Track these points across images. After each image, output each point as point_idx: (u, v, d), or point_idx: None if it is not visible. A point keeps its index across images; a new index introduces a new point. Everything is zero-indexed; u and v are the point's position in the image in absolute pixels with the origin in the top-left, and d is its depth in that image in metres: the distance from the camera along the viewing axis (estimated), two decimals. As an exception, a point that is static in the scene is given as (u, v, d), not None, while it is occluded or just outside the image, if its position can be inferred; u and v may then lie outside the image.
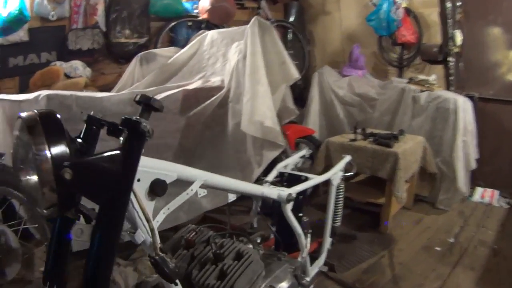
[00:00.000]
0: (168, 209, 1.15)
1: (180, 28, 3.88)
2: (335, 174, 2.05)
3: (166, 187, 1.07)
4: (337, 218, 2.20)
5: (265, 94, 2.49)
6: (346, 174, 2.19)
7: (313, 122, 3.96)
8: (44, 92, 2.22)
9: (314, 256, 2.03)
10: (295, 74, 2.67)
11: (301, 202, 2.01)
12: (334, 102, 3.89)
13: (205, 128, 2.64)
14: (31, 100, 2.18)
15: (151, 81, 2.91)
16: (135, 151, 0.96)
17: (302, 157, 2.42)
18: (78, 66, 3.13)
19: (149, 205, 1.06)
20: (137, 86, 2.89)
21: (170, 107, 2.44)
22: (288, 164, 2.22)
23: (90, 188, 0.92)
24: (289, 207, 1.66)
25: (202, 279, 1.20)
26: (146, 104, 1.01)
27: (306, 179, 1.96)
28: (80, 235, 0.94)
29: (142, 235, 1.05)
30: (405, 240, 2.88)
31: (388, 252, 2.70)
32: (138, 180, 1.02)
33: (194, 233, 1.41)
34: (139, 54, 3.14)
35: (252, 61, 2.51)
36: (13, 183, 1.95)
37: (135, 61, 3.10)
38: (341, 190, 2.14)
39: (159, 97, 2.38)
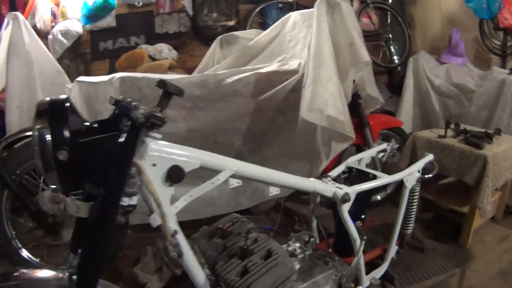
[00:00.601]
0: (190, 196, 1.12)
1: (270, 10, 3.78)
2: (410, 174, 1.78)
3: (183, 174, 1.07)
4: (409, 225, 1.93)
5: (328, 79, 2.25)
6: (425, 176, 1.90)
7: (406, 113, 3.58)
8: (117, 75, 2.33)
9: (377, 263, 1.83)
10: (364, 57, 2.35)
11: (365, 203, 1.85)
12: (429, 92, 3.47)
13: (278, 113, 2.51)
14: (106, 82, 2.31)
15: (231, 63, 2.86)
16: (129, 136, 0.99)
17: (383, 151, 2.19)
18: (163, 49, 3.25)
19: (166, 191, 1.06)
20: (216, 69, 2.88)
21: (241, 91, 2.35)
22: (362, 159, 2.01)
23: (87, 169, 0.96)
24: (345, 207, 1.50)
25: (224, 272, 1.15)
26: (163, 89, 1.06)
27: (374, 177, 1.76)
28: (78, 211, 0.94)
29: (158, 219, 1.02)
30: (483, 260, 2.39)
31: (460, 271, 2.27)
32: (154, 165, 1.04)
33: (232, 223, 1.34)
34: (220, 37, 3.13)
35: (316, 43, 2.30)
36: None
37: (215, 43, 3.11)
38: (416, 193, 1.87)
39: (230, 80, 2.34)
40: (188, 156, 1.11)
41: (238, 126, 2.42)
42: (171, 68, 3.30)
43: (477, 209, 2.34)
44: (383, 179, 1.71)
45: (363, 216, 1.81)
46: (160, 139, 1.10)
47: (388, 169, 2.47)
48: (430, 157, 1.96)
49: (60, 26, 3.08)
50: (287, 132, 2.49)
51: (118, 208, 0.99)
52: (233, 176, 1.24)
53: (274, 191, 1.44)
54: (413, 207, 1.88)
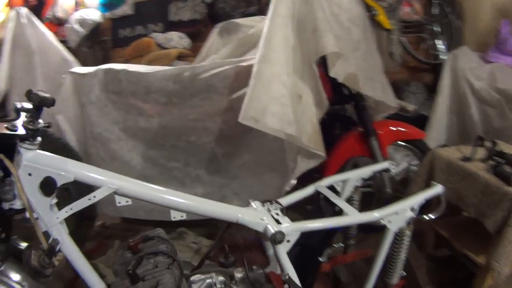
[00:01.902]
0: (71, 209, 1.13)
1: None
2: (396, 214, 1.36)
3: (55, 187, 1.10)
4: (391, 273, 1.50)
5: (271, 78, 1.86)
6: (423, 216, 1.47)
7: (439, 121, 3.01)
8: (102, 66, 2.38)
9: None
10: (327, 46, 1.88)
11: (324, 243, 1.54)
12: (467, 96, 2.86)
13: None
14: (92, 73, 2.36)
15: (228, 53, 2.65)
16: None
17: (385, 171, 1.80)
18: (173, 37, 3.22)
19: (44, 200, 1.10)
20: (213, 59, 2.77)
21: (217, 86, 2.16)
22: (347, 180, 1.58)
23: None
24: (282, 248, 1.19)
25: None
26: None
27: (340, 212, 1.39)
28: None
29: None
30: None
31: None
32: (30, 175, 1.08)
33: (145, 239, 1.25)
34: (219, 24, 2.98)
35: (267, 29, 1.90)
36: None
37: (215, 31, 2.98)
38: (404, 239, 1.44)
39: (207, 74, 2.21)
40: (63, 169, 1.10)
41: (210, 126, 2.24)
42: (182, 57, 3.27)
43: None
44: (348, 218, 1.35)
45: (320, 259, 1.52)
46: (37, 150, 1.11)
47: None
48: (436, 189, 1.49)
49: (77, 15, 3.21)
50: (261, 137, 2.20)
51: None
52: (117, 193, 1.16)
53: (177, 215, 1.31)
54: (400, 254, 1.46)
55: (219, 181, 2.31)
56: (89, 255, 2.21)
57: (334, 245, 1.80)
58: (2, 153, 1.11)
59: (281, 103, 1.87)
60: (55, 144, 2.13)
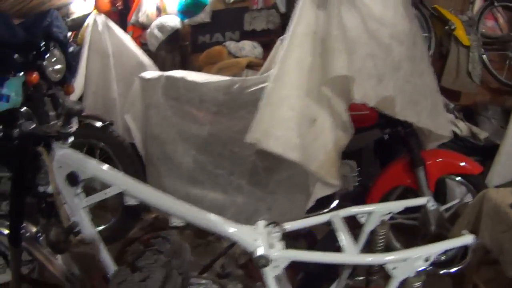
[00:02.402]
0: (86, 201, 1.37)
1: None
2: (404, 261, 1.18)
3: (77, 180, 1.32)
4: None
5: (280, 100, 1.83)
6: (439, 270, 1.53)
7: (510, 154, 2.53)
8: (166, 73, 2.62)
9: None
10: (335, 68, 1.75)
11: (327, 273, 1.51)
12: None
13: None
14: (156, 79, 2.61)
15: None
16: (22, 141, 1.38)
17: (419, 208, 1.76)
18: (244, 47, 3.34)
19: (69, 189, 1.34)
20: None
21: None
22: (373, 212, 1.40)
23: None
24: (269, 272, 1.17)
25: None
26: None
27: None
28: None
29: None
30: None
31: None
32: (60, 167, 1.33)
33: (158, 237, 1.38)
34: (282, 36, 3.00)
35: (287, 45, 1.85)
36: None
37: (278, 43, 3.00)
38: None
39: (255, 87, 2.29)
40: (84, 167, 1.34)
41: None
42: (252, 66, 3.38)
43: None
44: (341, 256, 1.25)
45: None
46: (68, 148, 1.38)
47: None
48: (465, 240, 1.23)
49: (157, 21, 3.50)
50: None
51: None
52: (125, 193, 1.32)
53: (177, 221, 1.43)
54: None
55: (257, 193, 2.36)
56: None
57: (357, 277, 1.75)
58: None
59: (287, 127, 1.85)
60: (113, 140, 2.40)
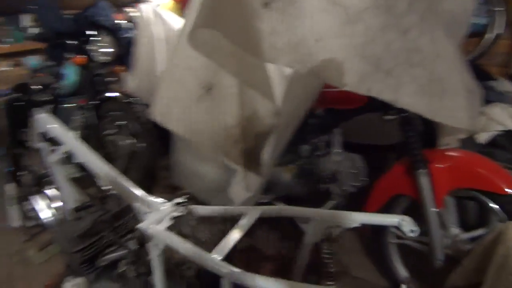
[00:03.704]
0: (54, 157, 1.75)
1: None
2: None
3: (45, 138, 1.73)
4: None
5: (173, 62, 1.68)
6: None
7: None
8: None
9: None
10: None
11: None
12: None
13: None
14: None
15: None
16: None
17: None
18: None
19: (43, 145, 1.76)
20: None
21: None
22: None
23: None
24: (152, 249, 1.12)
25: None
26: None
27: None
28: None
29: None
30: None
31: None
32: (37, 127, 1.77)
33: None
34: None
35: None
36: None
37: None
38: None
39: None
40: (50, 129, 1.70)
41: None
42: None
43: None
44: (204, 256, 1.00)
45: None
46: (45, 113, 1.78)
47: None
48: None
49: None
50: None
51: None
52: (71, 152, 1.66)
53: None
54: None
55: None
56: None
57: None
58: None
59: (170, 96, 1.75)
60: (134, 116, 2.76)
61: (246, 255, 1.92)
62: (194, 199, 2.34)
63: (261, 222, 1.82)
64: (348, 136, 1.96)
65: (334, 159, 1.88)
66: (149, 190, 2.73)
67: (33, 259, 2.24)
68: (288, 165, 2.00)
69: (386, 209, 1.76)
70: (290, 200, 1.99)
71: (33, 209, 1.97)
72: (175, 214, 1.25)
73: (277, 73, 1.58)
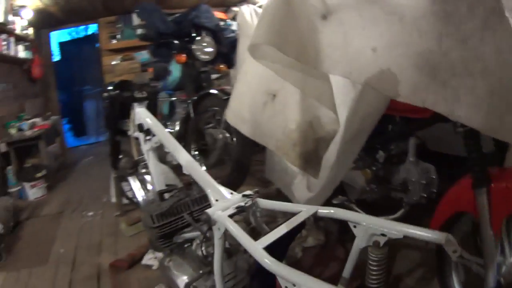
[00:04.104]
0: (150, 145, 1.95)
1: None
2: None
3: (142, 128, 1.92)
4: None
5: (244, 74, 1.85)
6: None
7: None
8: None
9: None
10: None
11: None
12: None
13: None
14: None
15: None
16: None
17: None
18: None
19: (139, 135, 1.95)
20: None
21: None
22: None
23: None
24: (215, 232, 1.23)
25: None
26: None
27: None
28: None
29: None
30: None
31: None
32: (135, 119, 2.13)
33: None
34: None
35: None
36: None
37: None
38: None
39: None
40: (145, 121, 1.91)
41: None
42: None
43: None
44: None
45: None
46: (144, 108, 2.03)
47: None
48: None
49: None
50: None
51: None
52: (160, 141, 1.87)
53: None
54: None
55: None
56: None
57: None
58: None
59: (240, 101, 1.94)
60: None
61: (315, 253, 1.98)
62: (281, 194, 2.50)
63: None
64: (427, 144, 1.92)
65: (407, 167, 1.84)
66: (241, 181, 2.96)
67: (124, 232, 2.55)
68: (366, 169, 1.99)
69: (450, 225, 1.61)
70: (364, 204, 2.01)
71: (130, 189, 2.24)
72: (241, 204, 1.34)
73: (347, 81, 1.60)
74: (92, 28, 6.86)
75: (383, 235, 1.00)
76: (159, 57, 3.17)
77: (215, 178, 1.53)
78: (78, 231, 2.77)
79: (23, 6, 4.42)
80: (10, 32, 4.16)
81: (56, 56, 7.33)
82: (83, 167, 4.98)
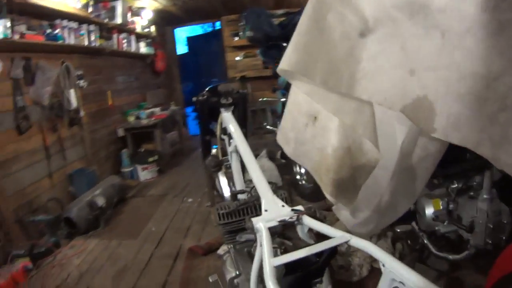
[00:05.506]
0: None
1: None
2: None
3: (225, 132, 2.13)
4: None
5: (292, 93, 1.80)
6: None
7: None
8: None
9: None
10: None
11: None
12: None
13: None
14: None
15: None
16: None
17: None
18: None
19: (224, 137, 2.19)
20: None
21: None
22: None
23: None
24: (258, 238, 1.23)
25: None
26: None
27: None
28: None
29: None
30: None
31: None
32: (221, 123, 2.40)
33: None
34: None
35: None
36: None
37: None
38: None
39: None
40: (227, 123, 2.07)
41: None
42: None
43: None
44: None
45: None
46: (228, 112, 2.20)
47: None
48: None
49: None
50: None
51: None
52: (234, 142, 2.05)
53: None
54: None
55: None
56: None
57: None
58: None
59: (285, 120, 1.95)
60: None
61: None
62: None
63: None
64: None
65: (478, 205, 1.69)
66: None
67: (212, 221, 2.81)
68: (437, 199, 1.83)
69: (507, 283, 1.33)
70: (434, 236, 1.89)
71: (219, 184, 2.47)
72: (285, 218, 1.35)
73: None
74: (218, 24, 7.40)
75: (401, 283, 0.94)
76: (269, 58, 3.35)
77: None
78: (174, 214, 3.13)
79: (142, 8, 5.06)
80: (131, 31, 4.80)
81: (184, 50, 8.06)
82: (197, 155, 5.42)
